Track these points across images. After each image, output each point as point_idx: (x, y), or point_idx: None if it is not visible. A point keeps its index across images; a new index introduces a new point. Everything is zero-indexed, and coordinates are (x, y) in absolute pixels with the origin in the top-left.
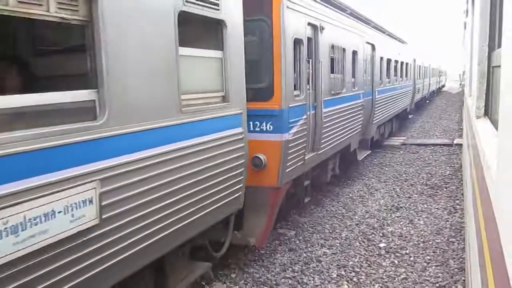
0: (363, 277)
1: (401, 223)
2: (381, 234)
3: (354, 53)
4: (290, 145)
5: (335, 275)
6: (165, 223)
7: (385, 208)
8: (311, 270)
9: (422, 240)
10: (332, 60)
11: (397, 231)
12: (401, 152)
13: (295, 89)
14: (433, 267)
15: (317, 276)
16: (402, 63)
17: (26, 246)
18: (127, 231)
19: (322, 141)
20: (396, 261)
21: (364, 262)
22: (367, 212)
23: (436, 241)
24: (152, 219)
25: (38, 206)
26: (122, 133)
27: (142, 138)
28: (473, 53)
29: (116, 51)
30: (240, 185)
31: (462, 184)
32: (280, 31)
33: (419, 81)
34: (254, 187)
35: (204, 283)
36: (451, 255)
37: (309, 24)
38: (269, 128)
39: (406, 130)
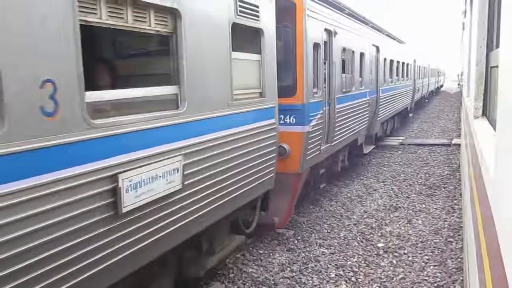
0: (361, 277)
1: (400, 223)
2: (379, 234)
3: (362, 54)
4: (309, 136)
5: (333, 275)
6: (222, 193)
7: (384, 208)
8: (310, 270)
9: (420, 240)
10: (343, 61)
11: (396, 231)
12: (400, 152)
13: (313, 87)
14: (431, 267)
15: (316, 276)
16: (403, 63)
17: (141, 199)
18: (198, 196)
19: (335, 134)
20: (394, 261)
21: (362, 262)
22: (366, 212)
23: (435, 241)
24: (215, 188)
25: (148, 171)
26: (196, 120)
27: (209, 124)
28: (471, 54)
29: (192, 56)
30: (272, 168)
31: (460, 184)
32: (302, 37)
33: (419, 81)
34: (278, 173)
35: (202, 283)
36: (449, 255)
37: (325, 29)
38: (292, 121)
39: (404, 130)
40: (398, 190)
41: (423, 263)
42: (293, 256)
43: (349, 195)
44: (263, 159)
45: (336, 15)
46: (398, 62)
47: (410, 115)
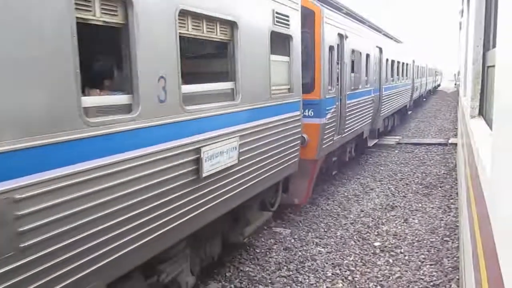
0: (358, 276)
1: (396, 222)
2: (376, 233)
3: (367, 55)
4: (325, 128)
5: (330, 274)
6: (263, 169)
7: (380, 207)
8: (306, 268)
9: (416, 239)
10: (352, 61)
11: (392, 230)
12: (396, 151)
13: (329, 84)
14: (428, 266)
15: (312, 275)
16: (403, 63)
17: (213, 168)
18: (248, 170)
19: (345, 127)
20: (390, 260)
21: (359, 261)
22: (362, 211)
23: (431, 240)
24: (258, 166)
25: (218, 147)
26: (247, 109)
27: (255, 113)
28: (468, 53)
29: (244, 58)
30: (297, 153)
31: (456, 183)
32: (320, 40)
33: (417, 80)
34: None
35: (199, 282)
36: (445, 254)
37: (338, 34)
38: (311, 113)
39: (401, 129)
40: (394, 189)
41: (419, 262)
42: (289, 255)
43: (346, 194)
44: (291, 144)
45: (346, 20)
46: (398, 62)
47: (409, 112)
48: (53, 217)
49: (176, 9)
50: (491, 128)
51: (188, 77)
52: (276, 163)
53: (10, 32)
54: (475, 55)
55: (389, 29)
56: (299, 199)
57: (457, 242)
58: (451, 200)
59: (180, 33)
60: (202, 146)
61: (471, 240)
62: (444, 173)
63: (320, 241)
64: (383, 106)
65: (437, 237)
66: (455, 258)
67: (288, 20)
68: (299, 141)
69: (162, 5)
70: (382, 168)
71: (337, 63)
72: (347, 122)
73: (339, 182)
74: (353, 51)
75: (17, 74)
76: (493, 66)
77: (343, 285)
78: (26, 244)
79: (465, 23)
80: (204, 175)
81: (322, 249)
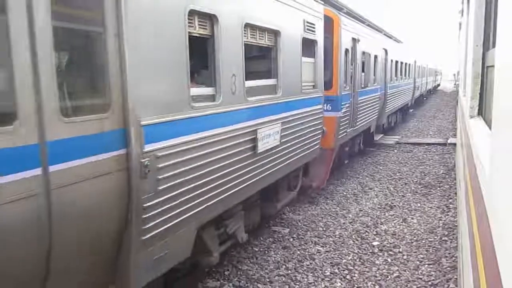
0: (356, 275)
1: (395, 221)
2: (374, 233)
3: (375, 57)
4: (341, 120)
5: (328, 273)
6: (295, 152)
7: (379, 206)
8: (305, 267)
9: (415, 238)
10: (362, 62)
11: (391, 229)
12: (395, 151)
13: (344, 82)
14: (426, 265)
15: (311, 274)
16: (406, 64)
17: (264, 146)
18: (285, 151)
19: (357, 120)
20: (389, 260)
21: (357, 260)
22: (361, 210)
23: (429, 239)
24: (292, 148)
25: (267, 130)
26: (285, 101)
27: (291, 104)
28: (467, 53)
29: (283, 60)
30: (318, 141)
31: (455, 183)
32: (338, 44)
33: (418, 80)
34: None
35: (199, 282)
36: (443, 254)
37: (352, 38)
38: (329, 108)
39: (400, 129)
40: (393, 189)
41: (417, 262)
42: (288, 254)
43: (344, 193)
44: (315, 133)
45: (359, 26)
46: (401, 62)
47: (411, 110)
48: (176, 170)
49: (243, 23)
50: (490, 128)
51: (248, 74)
52: (304, 148)
53: (161, 46)
54: (475, 55)
55: (390, 29)
56: (317, 183)
57: (455, 241)
58: (450, 200)
59: (244, 41)
60: (258, 129)
61: (469, 240)
62: (443, 173)
63: (318, 240)
64: (388, 104)
65: (435, 237)
66: (453, 258)
67: (314, 27)
68: (320, 131)
69: (234, 20)
70: (381, 167)
71: (351, 64)
72: (358, 116)
73: (338, 182)
74: (363, 53)
75: (165, 73)
76: (493, 66)
77: (342, 284)
78: (160, 188)
79: (465, 23)
80: (258, 151)
81: (321, 248)
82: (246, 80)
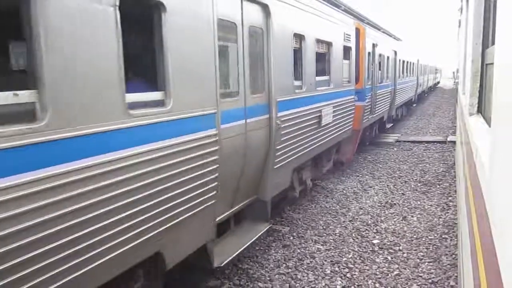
0: (356, 273)
1: (395, 219)
2: (374, 231)
3: (388, 57)
4: (365, 108)
5: (328, 271)
6: (339, 128)
7: (379, 204)
8: (305, 266)
9: (415, 236)
10: (379, 62)
11: (391, 227)
12: (395, 149)
13: (367, 78)
14: (426, 263)
15: (311, 272)
16: (410, 63)
17: (324, 122)
18: (335, 127)
19: (375, 109)
20: (389, 258)
21: (357, 258)
22: (361, 208)
23: (429, 237)
24: (338, 125)
25: (326, 110)
26: (335, 91)
27: (337, 94)
28: (467, 51)
29: (333, 61)
30: (351, 122)
31: (455, 181)
32: (363, 49)
33: (421, 77)
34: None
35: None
36: (444, 252)
37: (372, 44)
38: (356, 98)
39: (400, 127)
40: (393, 187)
41: (417, 260)
42: (288, 253)
43: (344, 192)
44: (349, 117)
45: (377, 33)
46: (407, 62)
47: (414, 105)
48: (290, 129)
49: (315, 39)
50: (489, 125)
51: (316, 72)
52: (343, 127)
53: (283, 56)
54: (474, 53)
55: (389, 27)
56: (346, 158)
57: (455, 239)
58: (450, 198)
59: (316, 50)
60: (322, 109)
61: (469, 238)
62: (442, 171)
63: (319, 238)
64: (396, 97)
65: (435, 235)
66: (453, 256)
67: (349, 37)
68: (353, 115)
69: (312, 38)
70: (381, 166)
71: (371, 64)
72: (376, 106)
73: (337, 180)
74: (380, 55)
75: (284, 73)
76: (492, 63)
77: (342, 282)
78: (282, 138)
79: (464, 20)
80: (322, 124)
81: (321, 247)
82: (316, 76)
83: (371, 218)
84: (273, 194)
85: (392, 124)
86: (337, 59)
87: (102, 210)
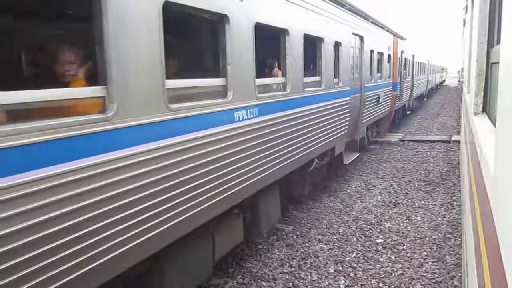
0: (360, 272)
1: (399, 219)
2: (378, 230)
3: (409, 60)
4: (397, 96)
5: (332, 271)
6: (378, 109)
7: (383, 204)
8: (308, 265)
9: (419, 236)
10: (404, 64)
11: (394, 227)
12: (399, 148)
13: (398, 75)
14: (430, 263)
15: (314, 271)
16: (423, 63)
17: (373, 99)
18: (370, 111)
19: (402, 98)
20: (393, 257)
21: (361, 257)
22: (365, 208)
23: (433, 237)
24: (386, 106)
25: (380, 94)
26: (384, 83)
27: (385, 84)
28: (472, 50)
29: (383, 64)
30: (389, 105)
31: (459, 180)
32: (396, 54)
33: (431, 76)
34: None
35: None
36: (447, 251)
37: (401, 50)
38: (391, 89)
39: (404, 126)
40: (397, 186)
41: (421, 259)
42: (292, 252)
43: (348, 191)
44: (388, 100)
45: (402, 41)
46: (421, 62)
47: (425, 99)
48: (367, 103)
49: (379, 52)
50: (494, 125)
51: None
52: (386, 106)
53: (344, 58)
54: (479, 52)
55: (395, 26)
56: (384, 129)
57: (459, 239)
58: (454, 197)
59: (378, 58)
60: (379, 93)
61: (473, 237)
62: (447, 170)
63: (322, 237)
64: (414, 91)
65: (439, 234)
66: (457, 256)
67: (391, 47)
68: (390, 99)
69: (378, 51)
70: (384, 165)
71: (400, 65)
72: (402, 95)
73: (341, 179)
74: (405, 58)
75: (347, 71)
76: (497, 62)
77: (346, 281)
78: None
79: (469, 19)
80: (380, 102)
81: (325, 246)
82: (377, 73)
83: (374, 218)
84: (360, 137)
85: (411, 111)
86: (384, 62)
87: (176, 180)
